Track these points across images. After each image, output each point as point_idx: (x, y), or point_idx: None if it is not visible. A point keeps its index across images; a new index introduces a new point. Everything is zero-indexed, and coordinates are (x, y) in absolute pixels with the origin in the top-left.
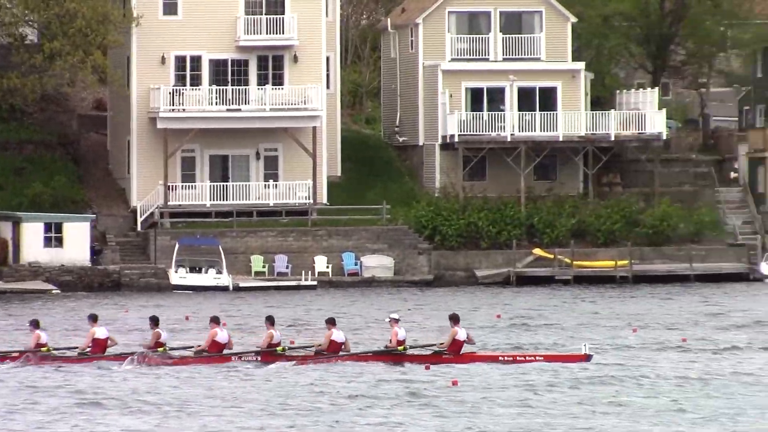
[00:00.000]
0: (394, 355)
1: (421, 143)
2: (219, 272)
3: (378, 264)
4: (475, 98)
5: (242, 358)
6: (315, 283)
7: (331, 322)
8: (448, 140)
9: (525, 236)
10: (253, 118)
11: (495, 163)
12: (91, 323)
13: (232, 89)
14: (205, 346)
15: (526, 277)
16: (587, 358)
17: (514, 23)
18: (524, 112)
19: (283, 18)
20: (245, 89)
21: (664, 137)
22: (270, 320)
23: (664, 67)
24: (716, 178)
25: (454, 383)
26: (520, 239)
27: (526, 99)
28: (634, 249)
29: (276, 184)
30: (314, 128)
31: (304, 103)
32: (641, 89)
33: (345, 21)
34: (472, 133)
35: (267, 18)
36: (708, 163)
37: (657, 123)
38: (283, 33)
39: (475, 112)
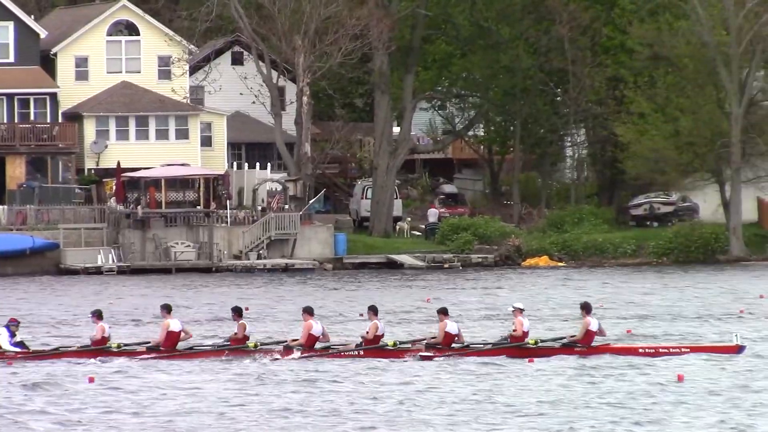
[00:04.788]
0: (522, 348)
1: None
2: None
3: None
4: None
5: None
6: None
7: (443, 312)
8: None
9: None
10: None
11: None
12: (164, 314)
13: None
14: (302, 341)
15: None
16: (739, 349)
17: None
18: None
19: None
20: None
21: None
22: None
23: None
24: None
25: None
26: None
27: None
28: None
29: None
30: None
31: None
32: None
33: None
34: None
35: None
36: None
37: None
38: None
39: None
